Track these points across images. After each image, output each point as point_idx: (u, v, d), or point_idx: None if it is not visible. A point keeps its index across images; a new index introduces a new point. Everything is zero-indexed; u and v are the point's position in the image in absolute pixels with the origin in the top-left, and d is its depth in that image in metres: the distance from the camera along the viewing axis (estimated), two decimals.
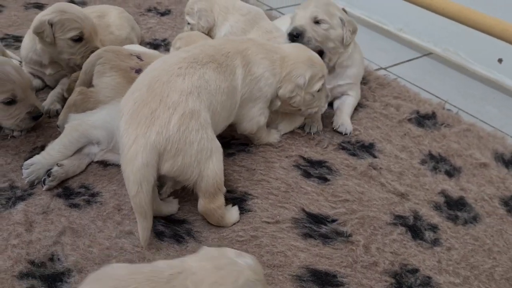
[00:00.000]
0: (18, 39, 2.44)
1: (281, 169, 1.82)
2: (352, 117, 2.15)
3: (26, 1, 2.99)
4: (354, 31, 2.07)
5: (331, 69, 2.10)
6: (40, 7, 2.93)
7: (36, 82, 2.12)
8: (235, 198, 1.67)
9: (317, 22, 1.99)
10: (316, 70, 1.81)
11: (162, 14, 3.00)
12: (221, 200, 1.52)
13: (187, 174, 1.43)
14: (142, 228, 1.39)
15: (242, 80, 1.66)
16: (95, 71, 1.75)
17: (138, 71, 1.74)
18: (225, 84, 1.57)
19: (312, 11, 1.99)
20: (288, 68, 1.77)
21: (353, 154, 1.95)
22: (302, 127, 2.05)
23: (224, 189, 1.55)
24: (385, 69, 2.72)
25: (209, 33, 2.35)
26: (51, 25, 1.90)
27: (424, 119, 2.21)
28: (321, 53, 2.01)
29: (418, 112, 2.26)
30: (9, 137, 1.83)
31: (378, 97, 2.34)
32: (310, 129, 2.04)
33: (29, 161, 1.63)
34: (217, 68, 1.56)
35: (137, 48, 2.13)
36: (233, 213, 1.57)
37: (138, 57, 1.81)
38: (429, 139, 2.08)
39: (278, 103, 1.84)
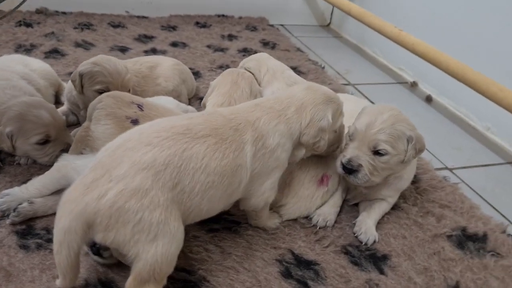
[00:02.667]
0: None
1: (260, 260, 1.57)
2: None
3: (114, 44, 3.21)
4: (420, 151, 1.74)
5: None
6: (124, 50, 3.13)
7: (72, 118, 2.21)
8: (188, 281, 1.47)
9: (377, 152, 1.68)
10: (335, 106, 1.70)
11: None
12: None
13: (123, 250, 1.26)
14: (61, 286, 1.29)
15: (253, 156, 1.49)
16: (93, 115, 1.73)
17: (135, 121, 1.68)
18: (222, 163, 1.39)
19: (373, 139, 1.66)
20: (309, 115, 1.63)
21: (356, 263, 1.62)
22: (309, 217, 1.79)
23: (164, 282, 1.33)
24: (450, 170, 2.32)
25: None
26: (81, 76, 1.98)
27: (468, 240, 1.78)
28: None
29: (464, 230, 1.83)
30: (14, 163, 1.88)
31: (421, 202, 1.97)
32: (317, 221, 1.76)
33: (6, 191, 1.64)
34: (216, 144, 1.40)
35: (164, 100, 2.10)
36: None
37: (140, 106, 1.74)
38: (463, 267, 1.65)
39: (303, 151, 1.68)
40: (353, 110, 1.88)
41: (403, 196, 1.97)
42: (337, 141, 1.80)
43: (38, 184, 1.64)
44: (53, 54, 2.92)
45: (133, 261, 1.26)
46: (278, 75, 2.22)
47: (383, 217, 1.85)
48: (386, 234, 1.77)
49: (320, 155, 1.79)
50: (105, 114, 1.72)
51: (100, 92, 1.96)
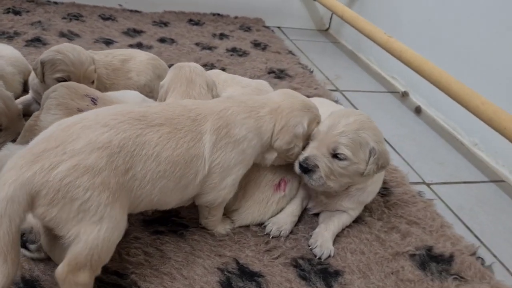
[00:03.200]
0: None
1: (200, 268, 1.48)
2: None
3: (100, 36, 3.15)
4: (382, 167, 1.60)
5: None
6: (108, 43, 3.07)
7: (35, 107, 2.13)
8: (118, 285, 1.38)
9: (336, 156, 1.57)
10: (312, 115, 1.66)
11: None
12: (86, 279, 1.23)
13: (62, 230, 1.18)
14: (1, 274, 1.15)
15: (213, 145, 1.43)
16: (45, 105, 1.65)
17: None
18: (175, 153, 1.35)
19: (334, 141, 1.56)
20: (284, 119, 1.57)
21: (304, 278, 1.51)
22: (263, 224, 1.69)
23: (98, 272, 1.26)
24: (427, 185, 2.19)
25: None
26: (43, 64, 1.92)
27: (432, 261, 1.66)
28: None
29: (429, 249, 1.71)
30: None
31: (388, 216, 1.85)
32: (271, 229, 1.66)
33: None
34: (169, 133, 1.35)
35: (130, 94, 2.01)
36: None
37: (93, 100, 1.67)
38: None
39: (274, 155, 1.61)
40: (326, 114, 1.78)
41: (369, 209, 1.86)
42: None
43: None
44: (34, 42, 2.86)
45: (70, 243, 1.19)
46: (229, 82, 2.13)
47: (343, 230, 1.73)
48: (344, 249, 1.66)
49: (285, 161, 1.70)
50: (56, 104, 1.65)
51: (60, 80, 1.90)
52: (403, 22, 3.17)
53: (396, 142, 2.51)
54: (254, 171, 1.69)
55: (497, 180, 2.30)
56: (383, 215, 1.85)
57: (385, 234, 1.75)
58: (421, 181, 2.22)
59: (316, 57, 3.54)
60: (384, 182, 2.05)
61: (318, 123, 1.67)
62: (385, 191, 1.99)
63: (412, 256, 1.67)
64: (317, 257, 1.59)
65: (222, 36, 3.53)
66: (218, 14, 3.92)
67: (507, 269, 1.76)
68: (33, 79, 2.07)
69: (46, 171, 1.14)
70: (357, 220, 1.79)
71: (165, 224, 1.63)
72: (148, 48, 3.08)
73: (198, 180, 1.43)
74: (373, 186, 1.72)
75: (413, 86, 3.02)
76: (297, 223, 1.74)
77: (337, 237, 1.70)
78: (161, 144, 1.32)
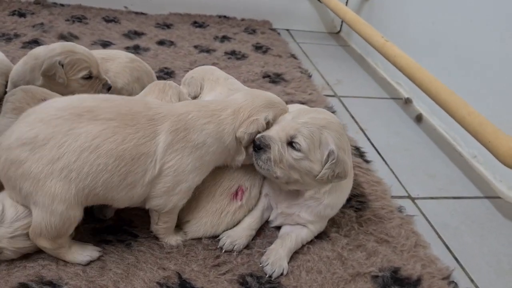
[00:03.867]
0: None
1: (139, 282, 1.41)
2: None
3: (99, 38, 3.16)
4: (339, 177, 1.48)
5: (298, 193, 1.61)
6: (106, 45, 3.07)
7: None
8: None
9: (291, 144, 1.48)
10: (278, 110, 1.60)
11: None
12: (46, 244, 1.38)
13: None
14: None
15: (167, 147, 1.40)
16: (2, 108, 1.65)
17: None
18: (120, 147, 1.33)
19: (294, 129, 1.47)
20: (246, 115, 1.54)
21: None
22: (217, 238, 1.61)
23: (62, 241, 1.40)
24: (412, 199, 2.05)
25: None
26: (62, 66, 1.91)
27: (395, 284, 1.54)
28: None
29: (396, 271, 1.59)
30: None
31: (356, 233, 1.73)
32: (224, 243, 1.58)
33: None
34: (116, 127, 1.34)
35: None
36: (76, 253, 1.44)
37: None
38: None
39: (243, 156, 1.56)
40: None
41: (337, 224, 1.75)
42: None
43: None
44: (31, 44, 2.89)
45: None
46: (221, 81, 2.06)
47: (303, 246, 1.63)
48: (299, 267, 1.56)
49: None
50: (12, 108, 1.66)
51: (85, 78, 1.96)
52: (409, 26, 3.01)
53: (387, 151, 2.37)
54: (209, 179, 1.62)
55: (492, 196, 2.13)
56: (351, 232, 1.74)
57: (349, 252, 1.64)
58: (406, 195, 2.08)
59: (321, 61, 3.43)
60: (362, 195, 1.94)
61: None
62: (360, 205, 1.87)
63: (374, 277, 1.55)
64: (267, 276, 1.50)
65: (223, 38, 3.48)
66: (225, 16, 3.87)
67: None
68: (21, 77, 2.03)
69: None
70: (321, 236, 1.69)
71: (114, 233, 1.58)
72: (145, 50, 3.07)
73: (147, 180, 1.40)
74: (331, 199, 1.60)
75: (417, 93, 2.86)
76: (255, 237, 1.65)
77: (295, 254, 1.60)
78: (102, 137, 1.31)
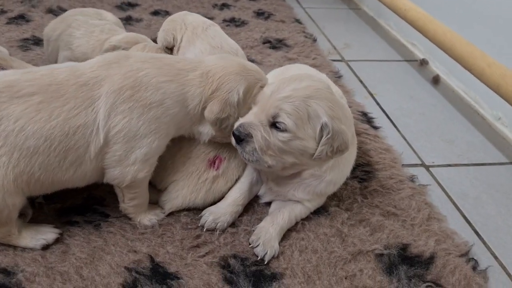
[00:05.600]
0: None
1: (105, 267, 1.24)
2: None
3: None
4: (339, 151, 1.27)
5: (294, 174, 1.39)
6: None
7: None
8: (1, 285, 1.17)
9: (274, 124, 1.26)
10: (252, 79, 1.37)
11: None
12: None
13: None
14: None
15: (109, 110, 1.21)
16: None
17: None
18: (48, 125, 1.16)
19: (275, 107, 1.24)
20: (215, 83, 1.32)
21: (230, 282, 1.23)
22: (197, 216, 1.42)
23: (10, 224, 1.23)
24: (426, 167, 1.81)
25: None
26: None
27: (403, 263, 1.32)
28: None
29: (404, 248, 1.37)
30: None
31: (359, 206, 1.52)
32: (205, 221, 1.38)
33: None
34: (40, 104, 1.17)
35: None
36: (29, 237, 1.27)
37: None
38: None
39: (207, 129, 1.37)
40: None
41: (338, 197, 1.54)
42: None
43: None
44: (17, 20, 2.73)
45: None
46: (199, 32, 1.78)
47: (297, 223, 1.43)
48: (291, 246, 1.36)
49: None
50: None
51: None
52: None
53: (399, 117, 2.13)
54: (184, 143, 1.43)
55: None
56: (353, 205, 1.52)
57: (350, 228, 1.43)
58: (419, 162, 1.84)
59: (328, 25, 3.16)
60: (368, 164, 1.72)
61: (262, 87, 1.37)
62: (365, 175, 1.65)
63: (379, 256, 1.34)
64: (259, 258, 1.30)
65: (223, 6, 3.24)
66: None
67: (509, 274, 1.37)
68: None
69: None
70: (319, 211, 1.48)
71: (83, 214, 1.41)
72: (138, 21, 2.87)
73: (93, 153, 1.22)
74: (333, 175, 1.38)
75: (433, 53, 2.58)
76: (242, 213, 1.45)
77: (288, 231, 1.40)
78: (26, 117, 1.15)
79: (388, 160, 1.75)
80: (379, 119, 2.08)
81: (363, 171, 1.68)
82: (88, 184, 1.32)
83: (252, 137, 1.27)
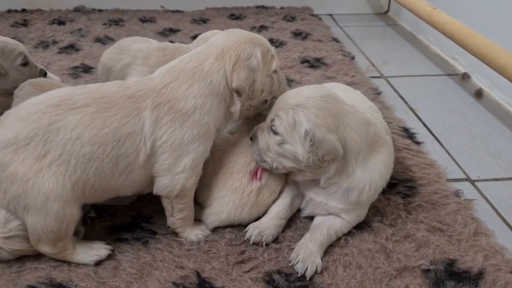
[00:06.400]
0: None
1: (154, 282, 1.28)
2: None
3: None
4: (325, 160, 1.30)
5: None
6: None
7: None
8: None
9: (272, 128, 1.39)
10: (264, 47, 1.43)
11: None
12: (48, 249, 1.31)
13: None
14: None
15: (155, 122, 1.30)
16: (13, 104, 1.59)
17: None
18: (101, 132, 1.25)
19: (275, 113, 1.39)
20: (234, 56, 1.37)
21: None
22: (244, 230, 1.44)
23: (63, 243, 1.31)
24: (472, 182, 1.78)
25: None
26: None
27: (451, 279, 1.30)
28: None
29: (451, 264, 1.35)
30: None
31: (404, 222, 1.51)
32: (251, 234, 1.41)
33: None
34: (95, 113, 1.27)
35: None
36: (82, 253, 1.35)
37: None
38: None
39: (238, 105, 1.40)
40: None
41: (381, 212, 1.54)
42: (278, 91, 1.51)
43: None
44: (67, 49, 2.89)
45: None
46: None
47: (340, 238, 1.43)
48: (335, 262, 1.36)
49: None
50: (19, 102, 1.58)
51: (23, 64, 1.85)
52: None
53: (442, 131, 2.10)
54: (224, 157, 1.50)
55: None
56: (397, 220, 1.51)
57: (395, 244, 1.42)
58: (464, 177, 1.81)
59: (366, 42, 3.18)
60: (411, 180, 1.70)
61: (273, 56, 1.45)
62: (408, 191, 1.64)
63: (425, 272, 1.32)
64: (300, 275, 1.31)
65: (261, 28, 3.32)
66: (262, 6, 3.71)
67: None
68: None
69: None
70: (362, 226, 1.48)
71: (131, 231, 1.47)
72: None
73: (142, 161, 1.30)
74: (351, 182, 1.36)
75: (475, 67, 2.54)
76: (285, 229, 1.48)
77: (331, 247, 1.41)
78: (82, 126, 1.24)
79: (432, 175, 1.73)
80: (421, 134, 2.06)
81: (406, 186, 1.67)
82: (136, 193, 1.39)
83: (257, 138, 1.44)
